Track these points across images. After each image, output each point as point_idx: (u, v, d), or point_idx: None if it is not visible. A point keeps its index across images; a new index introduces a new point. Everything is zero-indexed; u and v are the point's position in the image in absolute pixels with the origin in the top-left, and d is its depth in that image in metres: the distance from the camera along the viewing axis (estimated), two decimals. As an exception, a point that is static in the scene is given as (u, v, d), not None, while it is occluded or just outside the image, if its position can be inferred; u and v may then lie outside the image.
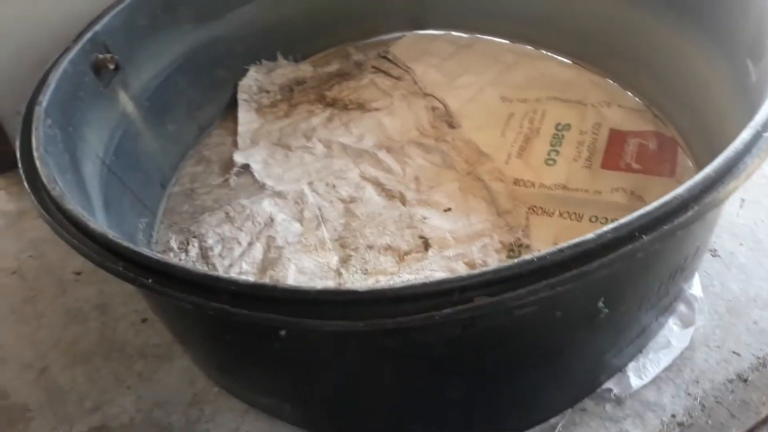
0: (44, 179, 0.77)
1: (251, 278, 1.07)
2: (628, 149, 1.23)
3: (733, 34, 1.07)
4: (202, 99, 1.40)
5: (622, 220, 0.62)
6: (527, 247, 1.07)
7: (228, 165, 1.32)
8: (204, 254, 1.12)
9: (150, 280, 0.65)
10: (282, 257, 1.08)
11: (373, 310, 0.60)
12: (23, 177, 0.80)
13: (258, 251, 1.11)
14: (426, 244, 1.09)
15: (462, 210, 1.15)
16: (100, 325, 1.04)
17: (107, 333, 1.02)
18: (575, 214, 1.12)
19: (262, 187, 1.26)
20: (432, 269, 1.04)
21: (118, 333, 1.02)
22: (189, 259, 1.12)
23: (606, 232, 0.60)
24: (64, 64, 1.03)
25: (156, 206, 1.22)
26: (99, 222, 0.95)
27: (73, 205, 0.74)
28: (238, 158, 1.32)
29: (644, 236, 0.61)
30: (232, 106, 1.45)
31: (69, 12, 1.31)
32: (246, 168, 1.30)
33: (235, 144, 1.38)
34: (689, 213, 0.64)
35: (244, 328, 0.68)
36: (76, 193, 0.90)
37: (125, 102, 1.18)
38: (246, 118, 1.42)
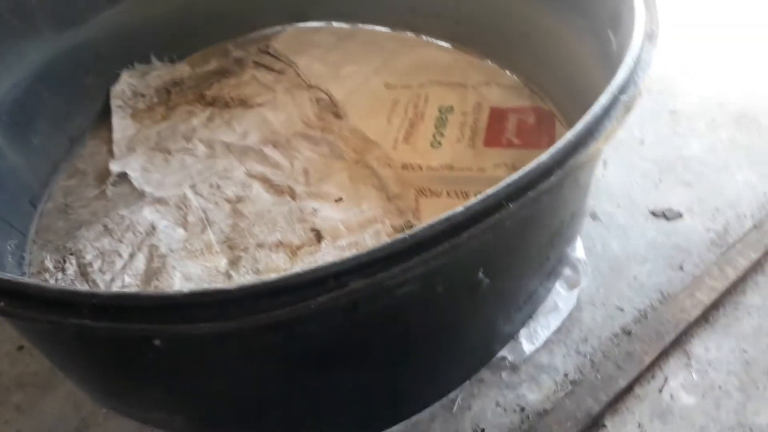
0: None
1: (135, 290, 1.01)
2: (509, 126, 1.26)
3: (596, 8, 1.12)
4: (70, 109, 1.31)
5: (489, 191, 0.63)
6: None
7: (104, 175, 1.25)
8: (83, 271, 1.05)
9: (2, 303, 0.60)
10: (166, 266, 1.04)
11: (247, 307, 0.57)
12: None
13: (140, 262, 1.06)
14: (318, 236, 1.07)
15: (353, 199, 1.14)
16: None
17: (-22, 366, 0.94)
18: (462, 192, 1.14)
19: (141, 195, 1.19)
20: (325, 260, 1.02)
21: (-9, 365, 0.94)
22: (66, 278, 1.04)
23: (473, 204, 0.61)
24: None
25: (26, 226, 1.13)
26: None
27: None
28: (114, 167, 1.25)
29: (510, 204, 0.62)
30: (105, 113, 1.37)
31: None
32: (123, 177, 1.23)
33: (110, 153, 1.30)
34: (552, 178, 0.66)
35: (114, 342, 0.64)
36: None
37: (-22, 117, 1.09)
38: (121, 125, 1.35)
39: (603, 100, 0.75)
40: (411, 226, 1.06)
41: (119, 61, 1.43)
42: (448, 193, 1.14)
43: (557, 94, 1.31)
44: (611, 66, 1.03)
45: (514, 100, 1.32)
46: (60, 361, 0.83)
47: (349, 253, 1.02)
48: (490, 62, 1.44)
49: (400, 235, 0.60)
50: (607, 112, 0.74)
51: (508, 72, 1.41)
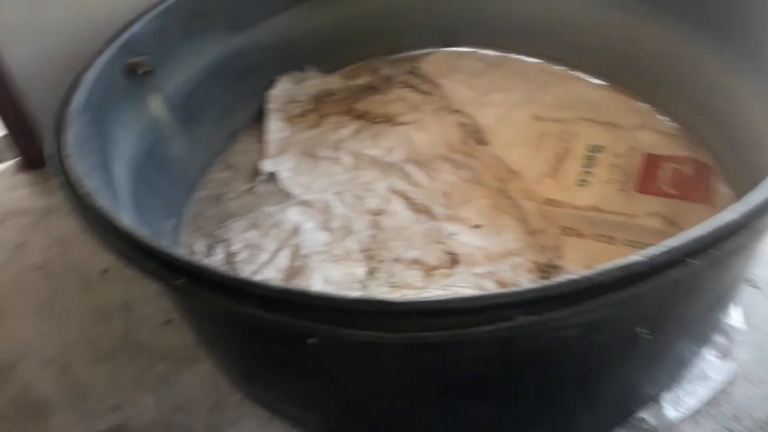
0: (73, 177, 0.77)
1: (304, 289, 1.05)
2: (663, 174, 1.21)
3: (768, 54, 1.05)
4: (232, 106, 1.40)
5: (673, 243, 0.60)
6: (559, 268, 1.05)
7: (254, 172, 1.31)
8: (229, 260, 1.11)
9: (181, 281, 0.64)
10: (308, 266, 1.07)
11: (410, 323, 0.58)
12: (53, 173, 0.79)
13: (284, 259, 1.10)
14: (454, 260, 1.07)
15: (492, 227, 1.13)
16: (124, 324, 1.03)
17: (131, 333, 1.01)
18: (609, 237, 1.10)
19: (288, 195, 1.25)
20: (460, 286, 1.02)
21: (142, 334, 1.01)
22: (215, 263, 1.11)
23: (657, 255, 0.58)
24: (99, 65, 1.04)
25: (182, 210, 1.21)
26: (127, 221, 0.95)
27: (102, 202, 0.73)
28: (266, 166, 1.31)
29: (695, 260, 0.59)
30: (261, 114, 1.45)
31: (106, 15, 1.33)
32: (272, 176, 1.29)
33: (262, 152, 1.37)
34: (739, 239, 0.62)
35: (274, 334, 0.67)
36: (105, 191, 0.89)
37: (157, 105, 1.18)
38: (274, 127, 1.42)
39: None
40: (554, 266, 1.04)
41: (279, 67, 1.50)
42: (594, 236, 1.10)
43: (716, 145, 1.24)
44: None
45: (671, 147, 1.26)
46: (210, 340, 0.88)
47: (486, 282, 1.01)
48: (645, 104, 1.39)
49: (573, 276, 0.58)
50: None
51: (664, 117, 1.35)
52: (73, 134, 0.86)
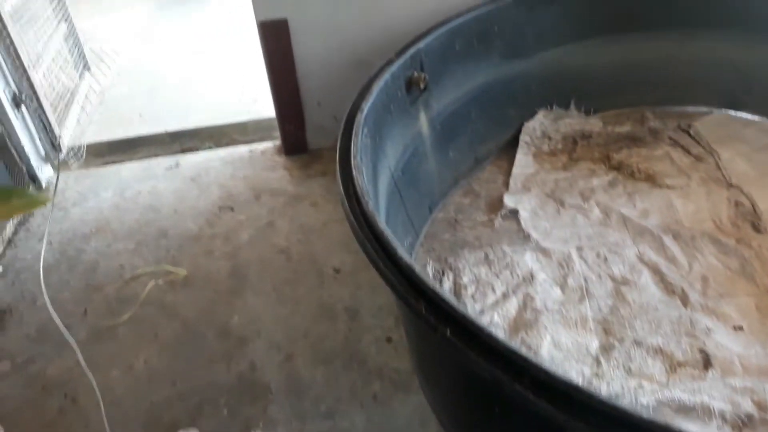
0: (359, 190, 0.79)
1: (501, 333, 1.01)
2: None
3: None
4: (485, 132, 1.38)
5: None
6: (840, 408, 0.87)
7: (495, 204, 1.28)
8: (457, 290, 1.09)
9: (449, 332, 0.62)
10: (538, 322, 1.01)
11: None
12: (339, 182, 0.82)
13: (512, 306, 1.05)
14: (706, 362, 0.94)
15: (757, 334, 0.98)
16: (347, 329, 1.06)
17: (352, 340, 1.03)
18: None
19: (526, 237, 1.20)
20: (710, 395, 0.89)
21: (363, 344, 1.03)
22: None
23: None
24: (386, 75, 1.06)
25: (421, 228, 1.22)
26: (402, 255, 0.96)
27: (384, 227, 0.74)
28: (507, 201, 1.27)
29: None
30: (510, 145, 1.41)
31: (393, 24, 1.38)
32: (513, 213, 1.25)
33: (505, 184, 1.33)
34: None
35: (528, 414, 0.62)
36: (373, 206, 0.91)
37: (423, 122, 1.20)
38: (522, 161, 1.37)
39: None
40: (835, 403, 0.87)
41: (541, 100, 1.46)
42: None
43: None
44: None
45: None
46: (432, 380, 0.86)
47: (742, 399, 0.87)
48: None
49: None
50: None
51: None
52: (358, 143, 0.89)
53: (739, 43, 1.45)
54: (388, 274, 0.69)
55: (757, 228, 1.17)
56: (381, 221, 0.75)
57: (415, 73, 1.15)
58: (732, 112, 1.50)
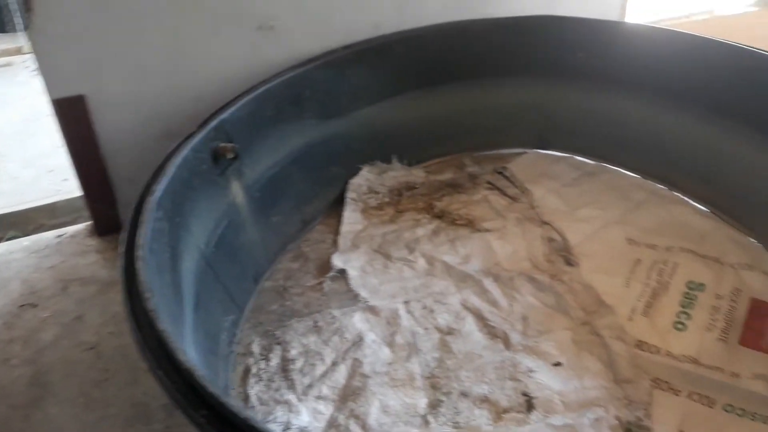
0: (141, 286, 0.72)
1: (330, 407, 0.97)
2: (774, 327, 1.07)
3: None
4: (311, 193, 1.36)
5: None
6: (648, 430, 0.92)
7: (324, 265, 1.26)
8: (284, 366, 1.04)
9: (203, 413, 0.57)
10: (366, 389, 0.99)
11: None
12: (122, 279, 0.75)
13: (341, 375, 1.02)
14: (529, 404, 0.96)
15: (574, 368, 1.02)
16: (165, 428, 0.97)
17: (170, 442, 0.95)
18: (707, 398, 0.97)
19: (355, 297, 1.18)
20: (534, 438, 0.91)
21: (182, 444, 0.95)
22: (269, 370, 1.04)
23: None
24: (186, 150, 1.01)
25: (245, 302, 1.16)
26: (187, 325, 0.90)
27: (165, 325, 0.68)
28: (336, 261, 1.25)
29: None
30: (338, 202, 1.41)
31: (200, 92, 1.34)
32: (342, 272, 1.23)
33: (335, 243, 1.32)
34: None
35: None
36: (170, 295, 0.85)
37: (236, 191, 1.15)
38: (350, 218, 1.37)
39: None
40: (642, 426, 0.92)
41: (363, 156, 1.47)
42: (689, 394, 0.97)
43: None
44: None
45: (784, 296, 1.12)
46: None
47: (563, 438, 0.89)
48: (753, 240, 1.26)
49: None
50: None
51: (777, 259, 1.21)
52: (147, 231, 0.83)
53: (540, 87, 1.56)
54: (164, 379, 0.64)
55: (568, 262, 1.24)
56: (162, 320, 0.69)
57: (221, 144, 1.11)
58: (542, 152, 1.60)
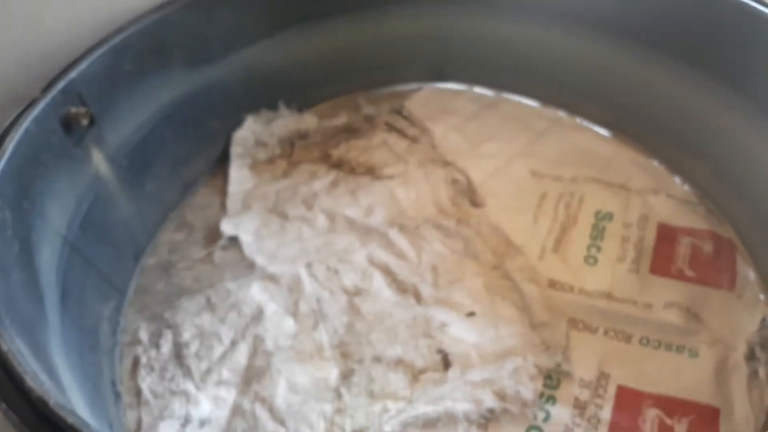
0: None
1: (233, 392, 0.88)
2: (681, 250, 1.07)
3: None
4: (189, 153, 1.21)
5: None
6: (568, 374, 0.90)
7: (213, 234, 1.13)
8: (178, 352, 0.94)
9: None
10: (271, 367, 0.90)
11: None
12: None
13: (242, 354, 0.93)
14: (446, 361, 0.91)
15: (489, 316, 0.97)
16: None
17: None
18: (623, 333, 0.96)
19: (251, 265, 1.07)
20: (453, 398, 0.86)
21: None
22: (160, 358, 0.93)
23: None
24: (27, 122, 0.85)
25: (126, 285, 1.03)
26: (52, 326, 0.77)
27: (9, 344, 0.55)
28: (226, 228, 1.13)
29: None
30: (223, 160, 1.27)
31: (53, 46, 1.13)
32: (234, 240, 1.12)
33: (223, 206, 1.19)
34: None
35: None
36: (22, 298, 0.72)
37: (99, 162, 1.00)
38: (238, 177, 1.24)
39: None
40: (561, 371, 0.89)
41: (246, 105, 1.32)
42: (605, 331, 0.96)
43: (740, 218, 1.11)
44: None
45: (688, 218, 1.12)
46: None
47: (483, 393, 0.85)
48: (657, 163, 1.25)
49: None
50: None
51: (678, 180, 1.21)
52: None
53: (434, 15, 1.45)
54: (9, 413, 0.52)
55: (475, 203, 1.18)
56: (5, 338, 0.57)
57: (73, 109, 0.94)
58: (441, 85, 1.51)
